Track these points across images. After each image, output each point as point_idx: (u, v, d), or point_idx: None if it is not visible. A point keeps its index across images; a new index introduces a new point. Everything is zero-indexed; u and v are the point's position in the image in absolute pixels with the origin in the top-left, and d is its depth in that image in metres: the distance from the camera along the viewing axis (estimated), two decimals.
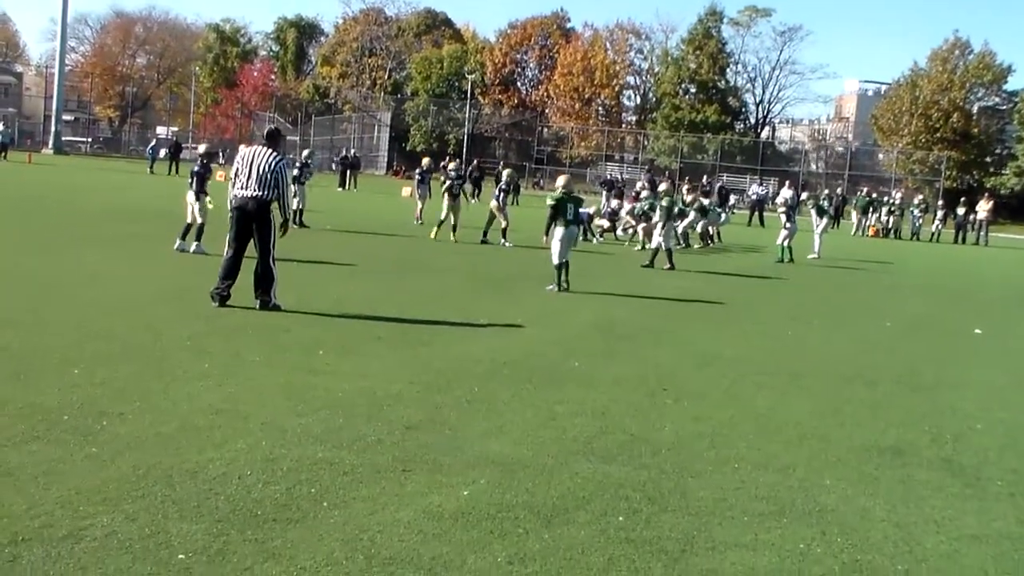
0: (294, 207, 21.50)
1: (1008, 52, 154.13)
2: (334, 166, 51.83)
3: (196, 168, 17.46)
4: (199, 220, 16.66)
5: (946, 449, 7.70)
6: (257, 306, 11.42)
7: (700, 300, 16.27)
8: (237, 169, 11.56)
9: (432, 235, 22.58)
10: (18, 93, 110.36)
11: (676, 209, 22.21)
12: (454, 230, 22.85)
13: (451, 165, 25.02)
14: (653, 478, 6.30)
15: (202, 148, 19.03)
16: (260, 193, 11.30)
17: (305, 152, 26.71)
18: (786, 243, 24.29)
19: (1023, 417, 9.28)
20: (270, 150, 11.50)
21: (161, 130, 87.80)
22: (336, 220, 25.65)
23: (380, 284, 15.11)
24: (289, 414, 7.12)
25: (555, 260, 15.42)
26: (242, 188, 11.41)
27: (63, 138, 74.05)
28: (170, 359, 8.67)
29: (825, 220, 28.23)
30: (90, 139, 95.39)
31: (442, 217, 23.00)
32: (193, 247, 16.29)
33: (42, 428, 6.31)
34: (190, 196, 16.89)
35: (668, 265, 20.29)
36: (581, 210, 17.61)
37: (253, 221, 11.38)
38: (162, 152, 53.94)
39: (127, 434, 6.35)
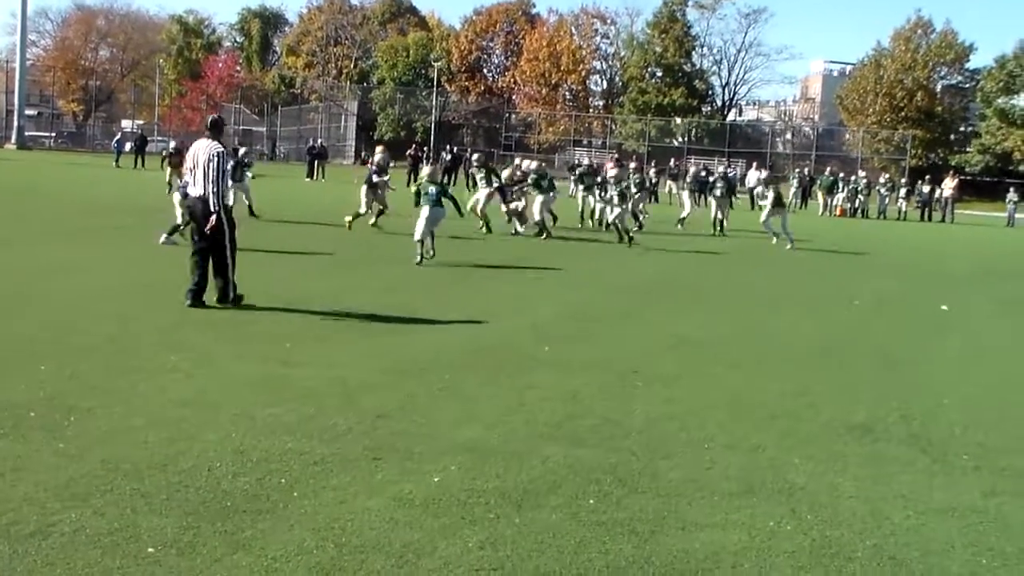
0: (240, 202, 21.34)
1: (969, 31, 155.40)
2: (305, 156, 51.44)
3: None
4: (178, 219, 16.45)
5: (914, 425, 7.77)
6: (216, 298, 11.09)
7: (668, 284, 16.34)
8: (189, 167, 11.26)
9: (347, 225, 21.34)
10: None
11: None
12: (378, 215, 21.91)
13: (377, 156, 23.34)
14: (623, 461, 6.33)
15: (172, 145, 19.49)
16: (203, 191, 10.95)
17: (242, 150, 25.58)
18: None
19: (989, 392, 9.38)
20: (212, 142, 11.10)
21: (126, 123, 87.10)
22: (303, 211, 25.53)
23: (350, 274, 15.07)
24: (259, 405, 7.09)
25: (416, 236, 16.30)
26: (192, 187, 11.12)
27: (26, 133, 73.29)
28: (139, 352, 8.62)
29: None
30: (54, 134, 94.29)
31: (360, 211, 21.64)
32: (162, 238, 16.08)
33: (8, 424, 6.27)
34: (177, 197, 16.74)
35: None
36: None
37: (202, 220, 10.98)
38: (128, 146, 53.49)
39: (96, 429, 6.32)
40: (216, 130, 11.36)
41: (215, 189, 10.83)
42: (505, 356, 9.45)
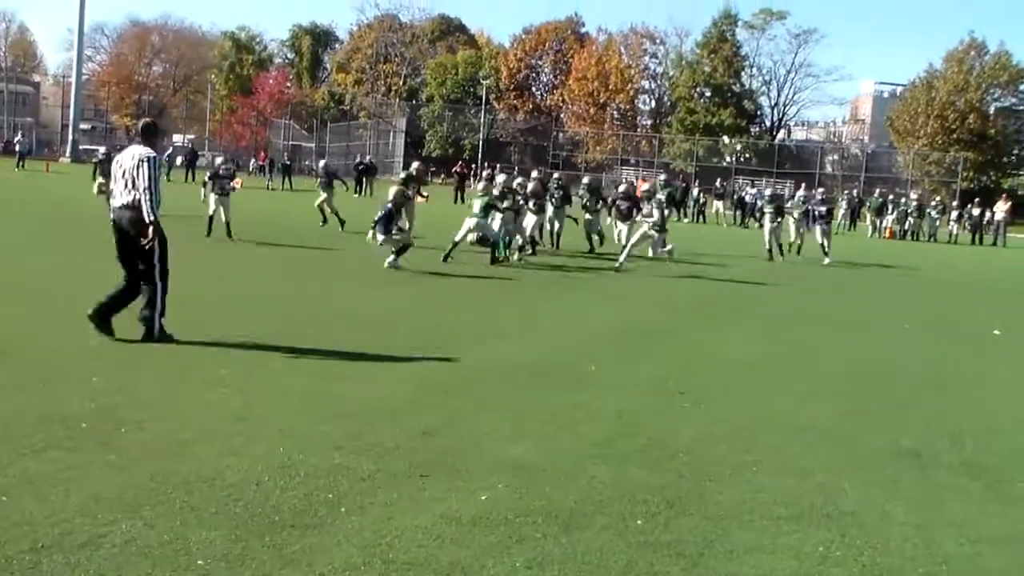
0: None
1: None
2: (353, 172, 51.80)
3: None
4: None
5: (966, 451, 7.66)
6: (141, 334, 9.66)
7: (713, 303, 16.25)
8: (116, 175, 9.98)
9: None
10: (36, 103, 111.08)
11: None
12: (227, 227, 20.73)
13: (218, 160, 23.35)
14: (671, 482, 6.29)
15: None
16: (130, 199, 9.71)
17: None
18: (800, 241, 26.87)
19: None
20: (141, 147, 9.89)
21: (177, 138, 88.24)
22: (350, 226, 25.65)
23: (395, 290, 15.12)
24: (307, 420, 7.13)
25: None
26: (116, 196, 9.90)
27: (80, 147, 74.41)
28: (188, 365, 8.69)
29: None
30: (107, 147, 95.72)
31: (209, 212, 20.93)
32: None
33: (61, 436, 6.33)
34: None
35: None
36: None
37: (130, 233, 9.76)
38: (179, 160, 54.13)
39: (146, 441, 6.37)
40: (148, 135, 10.23)
41: (148, 197, 9.60)
42: (550, 374, 9.44)
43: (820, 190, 33.81)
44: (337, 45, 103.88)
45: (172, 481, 5.62)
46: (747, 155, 76.48)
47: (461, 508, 5.53)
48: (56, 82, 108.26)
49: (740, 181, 62.30)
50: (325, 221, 25.18)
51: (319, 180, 25.13)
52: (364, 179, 50.34)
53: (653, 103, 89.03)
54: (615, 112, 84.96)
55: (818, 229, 25.97)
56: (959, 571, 5.21)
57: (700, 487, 6.23)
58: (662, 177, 32.55)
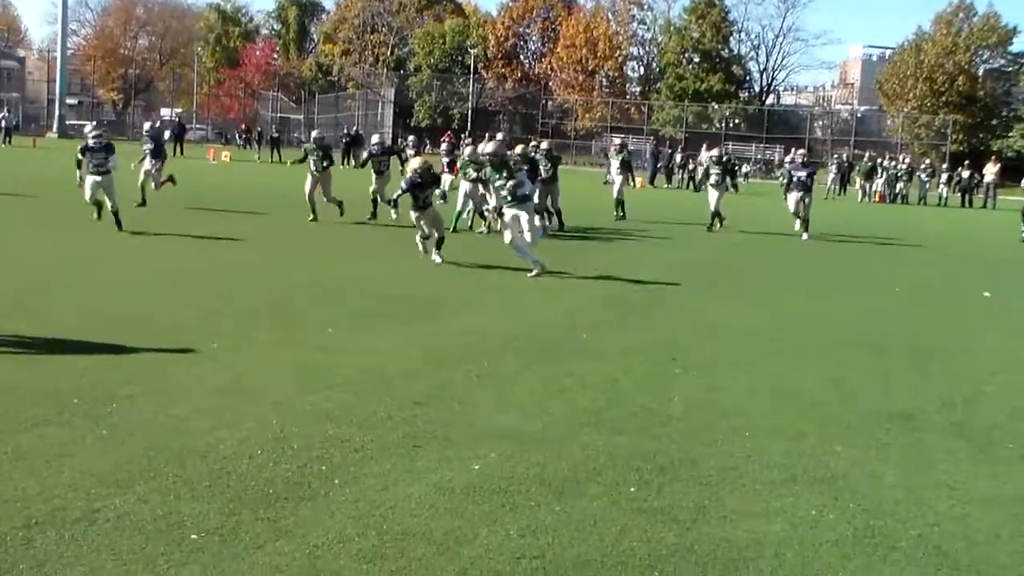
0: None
1: (1013, 14, 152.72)
2: (340, 143, 51.54)
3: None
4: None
5: (956, 413, 7.69)
6: None
7: (703, 271, 16.26)
8: None
9: None
10: (21, 78, 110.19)
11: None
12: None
13: (87, 128, 19.15)
14: (663, 448, 6.31)
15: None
16: None
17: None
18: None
19: None
20: None
21: (165, 111, 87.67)
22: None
23: (386, 262, 15.10)
24: (299, 393, 7.13)
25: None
26: None
27: (67, 122, 73.99)
28: (178, 340, 8.67)
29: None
30: (94, 122, 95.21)
31: (86, 197, 17.02)
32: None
33: (53, 412, 6.33)
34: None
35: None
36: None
37: None
38: (166, 134, 53.84)
39: (137, 416, 6.37)
40: None
41: None
42: (542, 343, 9.44)
43: (801, 152, 30.06)
44: (323, 15, 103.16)
45: (164, 456, 5.62)
46: (736, 121, 76.33)
47: (454, 478, 5.55)
48: (41, 57, 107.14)
49: (730, 147, 62.10)
50: (315, 217, 19.97)
51: (312, 157, 20.05)
52: (351, 151, 50.07)
53: (642, 70, 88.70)
54: (604, 79, 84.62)
55: (794, 197, 22.36)
56: (950, 532, 5.23)
57: (692, 453, 6.25)
58: (616, 141, 30.30)
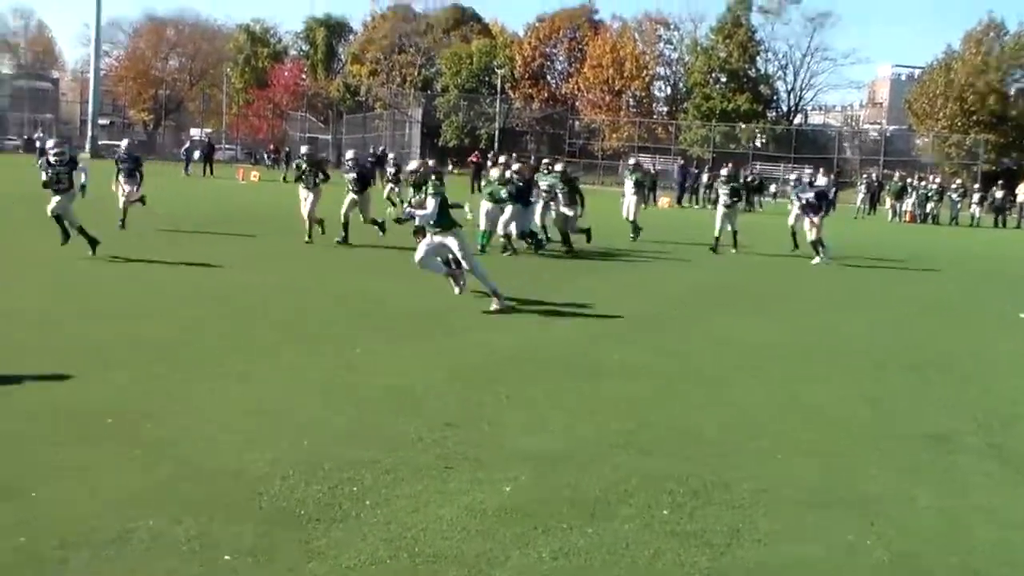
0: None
1: None
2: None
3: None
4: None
5: (993, 435, 7.60)
6: None
7: (731, 291, 16.20)
8: None
9: None
10: (55, 99, 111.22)
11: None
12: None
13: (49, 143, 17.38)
14: (695, 470, 6.26)
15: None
16: None
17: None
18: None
19: None
20: None
21: (195, 131, 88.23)
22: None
23: (406, 280, 15.09)
24: (329, 413, 7.13)
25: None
26: None
27: (99, 142, 74.61)
28: (210, 359, 8.71)
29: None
30: (126, 142, 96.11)
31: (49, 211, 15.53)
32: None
33: (87, 431, 6.36)
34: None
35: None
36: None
37: None
38: (196, 154, 54.23)
39: (170, 436, 6.38)
40: None
41: None
42: (571, 363, 9.41)
43: (808, 170, 27.34)
44: (351, 36, 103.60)
45: (197, 476, 5.63)
46: (764, 140, 76.11)
47: (486, 500, 5.52)
48: (75, 78, 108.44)
49: (758, 167, 61.89)
50: (346, 238, 19.38)
51: (349, 176, 20.00)
52: (376, 171, 50.30)
53: (669, 90, 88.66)
54: (631, 99, 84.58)
55: (805, 221, 20.99)
56: (991, 558, 5.17)
57: (724, 475, 6.20)
58: (631, 161, 29.02)
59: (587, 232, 20.25)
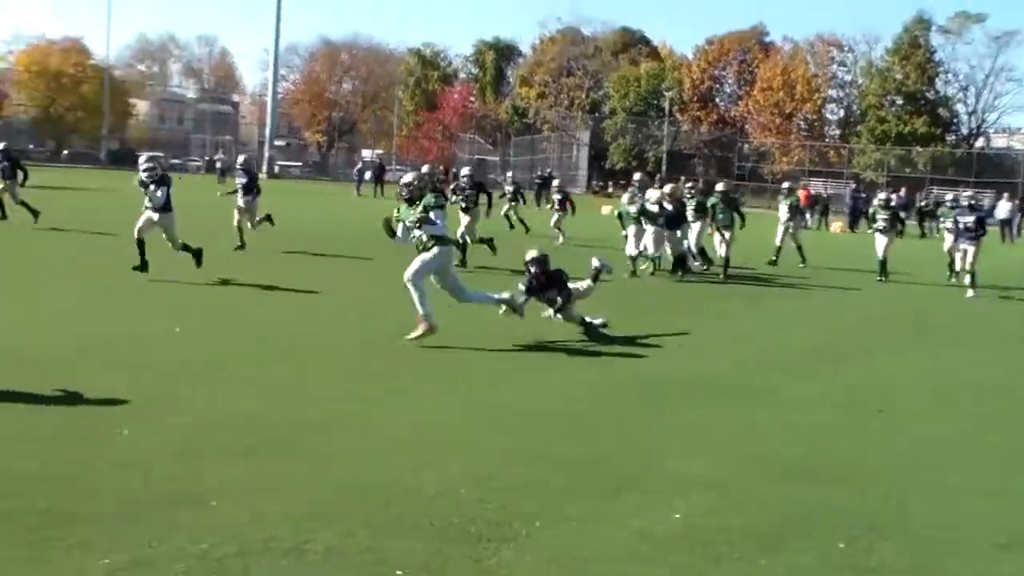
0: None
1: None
2: (534, 185, 52.29)
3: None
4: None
5: None
6: None
7: (902, 319, 15.67)
8: None
9: None
10: (235, 121, 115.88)
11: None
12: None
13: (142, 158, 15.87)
14: (871, 504, 6.06)
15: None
16: None
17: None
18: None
19: None
20: None
21: (366, 153, 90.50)
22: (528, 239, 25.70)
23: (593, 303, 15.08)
24: (500, 433, 7.18)
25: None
26: None
27: (276, 163, 77.26)
28: (383, 378, 8.87)
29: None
30: (300, 163, 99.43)
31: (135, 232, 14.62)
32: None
33: (261, 443, 6.55)
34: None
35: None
36: None
37: None
38: (367, 175, 55.58)
39: (343, 451, 6.51)
40: None
41: None
42: (735, 387, 9.26)
43: (967, 193, 25.72)
44: (520, 59, 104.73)
45: (369, 491, 5.72)
46: (942, 164, 73.64)
47: (655, 525, 5.46)
48: (254, 101, 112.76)
49: (934, 192, 59.89)
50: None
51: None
52: (542, 193, 50.72)
53: (841, 112, 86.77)
54: (801, 122, 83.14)
55: (960, 247, 19.71)
56: None
57: (903, 510, 5.98)
58: (785, 185, 28.20)
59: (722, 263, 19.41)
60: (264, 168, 72.62)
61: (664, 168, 70.68)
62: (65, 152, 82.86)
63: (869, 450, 7.37)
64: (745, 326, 13.47)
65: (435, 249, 10.72)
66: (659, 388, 9.06)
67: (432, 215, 10.65)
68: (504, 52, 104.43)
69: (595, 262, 12.92)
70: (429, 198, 10.82)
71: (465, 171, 20.35)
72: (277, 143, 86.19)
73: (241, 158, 21.17)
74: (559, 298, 11.45)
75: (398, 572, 4.64)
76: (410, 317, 10.49)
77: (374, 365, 9.43)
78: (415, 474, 6.06)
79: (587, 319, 11.71)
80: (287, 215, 23.78)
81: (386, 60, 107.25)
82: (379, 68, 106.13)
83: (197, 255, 14.84)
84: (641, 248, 18.70)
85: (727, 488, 6.20)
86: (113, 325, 10.80)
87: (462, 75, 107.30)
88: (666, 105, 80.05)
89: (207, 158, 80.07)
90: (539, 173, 57.41)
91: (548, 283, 11.68)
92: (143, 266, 14.21)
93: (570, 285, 11.80)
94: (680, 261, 18.86)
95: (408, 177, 11.62)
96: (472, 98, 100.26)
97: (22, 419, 6.86)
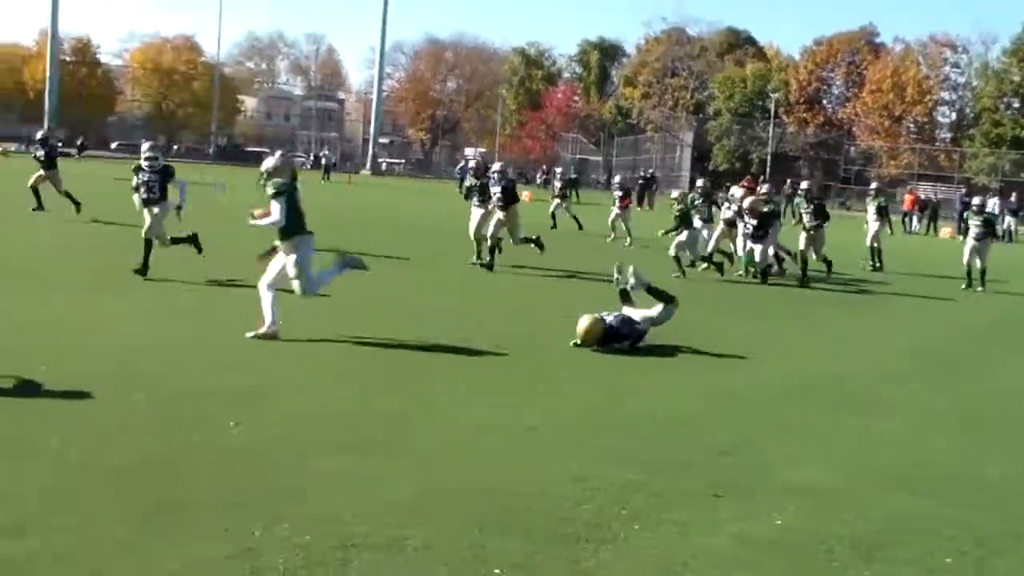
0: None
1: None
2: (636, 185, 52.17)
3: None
4: None
5: None
6: None
7: (1014, 328, 15.26)
8: None
9: None
10: (340, 119, 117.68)
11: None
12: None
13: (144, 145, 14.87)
14: (978, 518, 5.91)
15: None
16: None
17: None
18: None
19: None
20: None
21: (469, 151, 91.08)
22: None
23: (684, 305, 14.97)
24: (600, 434, 7.16)
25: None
26: None
27: (379, 160, 78.19)
28: (480, 376, 8.92)
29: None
30: (403, 160, 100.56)
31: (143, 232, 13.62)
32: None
33: (362, 438, 6.65)
34: None
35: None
36: None
37: None
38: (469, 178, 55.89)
39: (442, 448, 6.56)
40: None
41: None
42: (844, 395, 9.12)
43: (993, 198, 25.50)
44: (624, 59, 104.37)
45: (468, 489, 5.75)
46: None
47: (756, 530, 5.40)
48: (358, 99, 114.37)
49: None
50: (490, 263, 17.35)
51: (493, 191, 17.55)
52: (645, 193, 50.53)
53: (953, 115, 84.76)
54: (911, 125, 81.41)
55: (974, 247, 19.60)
56: None
57: (1014, 527, 5.83)
58: (873, 186, 27.57)
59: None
60: (369, 165, 73.59)
61: (768, 170, 69.74)
62: (175, 147, 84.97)
63: (984, 466, 7.18)
64: (846, 331, 13.22)
65: None
66: (771, 396, 8.93)
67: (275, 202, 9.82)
68: (608, 52, 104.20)
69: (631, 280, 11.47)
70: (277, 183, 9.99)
71: (496, 166, 18.82)
72: (381, 140, 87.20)
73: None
74: (627, 344, 10.86)
75: (496, 570, 4.66)
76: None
77: (480, 366, 9.47)
78: (515, 474, 6.08)
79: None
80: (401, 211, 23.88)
81: (490, 59, 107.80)
82: (483, 67, 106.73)
83: (193, 241, 14.03)
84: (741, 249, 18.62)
85: (833, 496, 6.11)
86: (209, 326, 11.00)
87: (566, 75, 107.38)
88: (772, 106, 79.01)
89: (313, 154, 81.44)
90: (642, 173, 57.16)
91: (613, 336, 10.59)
92: (144, 269, 13.24)
93: (635, 316, 10.84)
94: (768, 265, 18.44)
95: (269, 162, 10.57)
96: (576, 98, 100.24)
97: (138, 411, 7.05)
